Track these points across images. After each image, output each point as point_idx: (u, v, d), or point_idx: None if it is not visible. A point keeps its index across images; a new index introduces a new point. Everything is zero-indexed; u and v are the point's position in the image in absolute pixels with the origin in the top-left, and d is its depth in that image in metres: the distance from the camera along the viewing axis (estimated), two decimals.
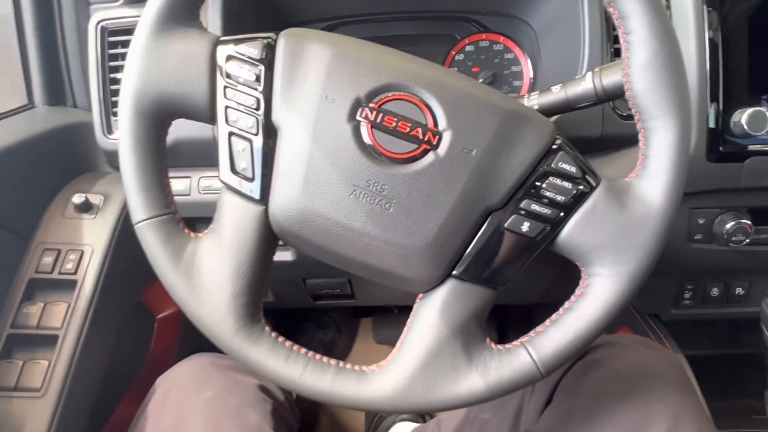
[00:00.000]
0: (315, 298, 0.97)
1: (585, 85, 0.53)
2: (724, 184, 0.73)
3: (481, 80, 0.85)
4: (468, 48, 0.86)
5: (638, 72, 0.46)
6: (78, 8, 0.83)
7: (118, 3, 0.82)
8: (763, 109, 0.68)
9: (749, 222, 0.75)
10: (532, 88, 0.85)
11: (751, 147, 0.70)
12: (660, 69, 0.45)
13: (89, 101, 0.76)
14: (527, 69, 0.85)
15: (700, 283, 0.87)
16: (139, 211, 0.49)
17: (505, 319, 1.40)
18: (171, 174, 0.77)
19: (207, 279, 0.49)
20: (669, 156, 0.45)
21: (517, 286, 0.50)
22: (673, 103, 0.45)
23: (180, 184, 0.77)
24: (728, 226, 0.75)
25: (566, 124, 0.68)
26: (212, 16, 0.70)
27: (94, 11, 0.81)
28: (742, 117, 0.67)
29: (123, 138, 0.48)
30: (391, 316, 1.39)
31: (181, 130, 0.72)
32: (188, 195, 0.77)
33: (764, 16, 0.69)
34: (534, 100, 0.58)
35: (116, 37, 0.74)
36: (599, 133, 0.70)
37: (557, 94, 0.57)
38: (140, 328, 0.89)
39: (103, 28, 0.74)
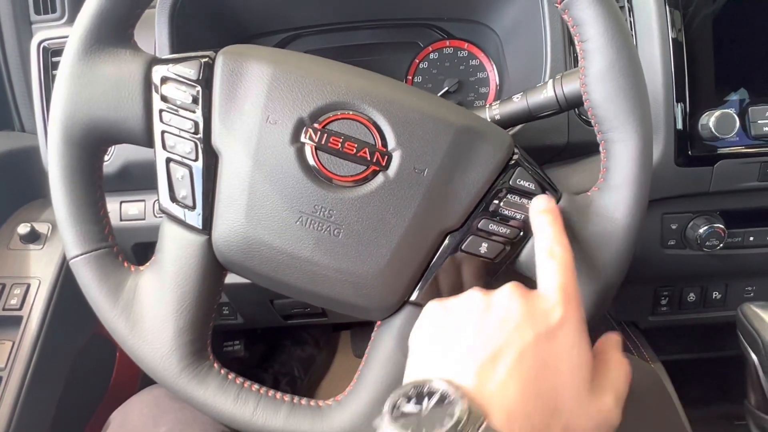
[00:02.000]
0: (285, 318, 0.94)
1: (546, 93, 0.51)
2: (695, 188, 0.71)
3: (446, 87, 0.83)
4: (432, 55, 0.84)
5: (595, 81, 0.44)
6: (19, 28, 0.79)
7: (62, 21, 0.78)
8: (731, 111, 0.66)
9: (722, 226, 0.73)
10: (498, 93, 0.83)
11: (720, 150, 0.69)
12: (617, 78, 0.43)
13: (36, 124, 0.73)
14: (493, 75, 0.83)
15: (677, 289, 0.85)
16: (72, 247, 0.46)
17: None
18: (124, 198, 0.75)
19: (148, 315, 0.46)
20: (630, 168, 0.43)
21: None
22: (633, 113, 0.43)
23: (134, 208, 0.74)
24: (701, 230, 0.73)
25: (531, 132, 0.66)
26: (159, 34, 0.67)
27: (37, 30, 0.77)
28: (710, 120, 0.66)
29: (52, 169, 0.45)
30: (370, 328, 1.36)
31: (130, 153, 0.70)
32: (143, 219, 0.74)
33: (728, 17, 0.68)
34: (495, 111, 0.56)
35: (59, 57, 0.70)
36: (565, 140, 0.68)
37: (518, 103, 0.54)
38: (100, 360, 0.85)
39: (45, 48, 0.71)
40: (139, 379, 0.92)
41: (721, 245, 0.74)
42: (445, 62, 0.84)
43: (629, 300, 0.87)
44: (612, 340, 0.42)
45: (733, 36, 0.69)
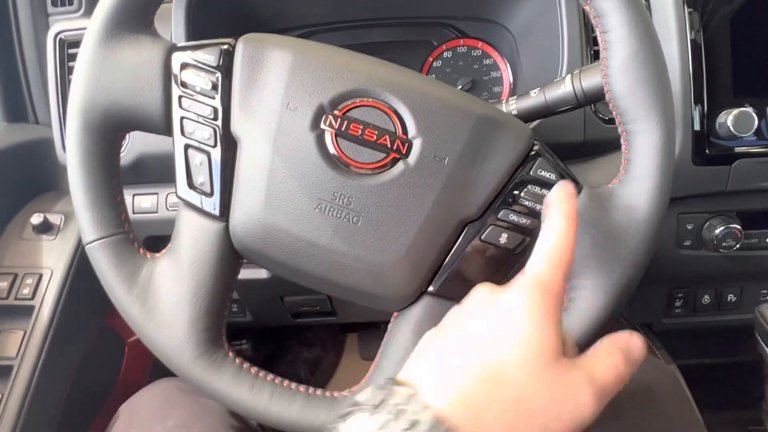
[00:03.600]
0: (295, 316, 0.94)
1: (564, 87, 0.51)
2: (712, 187, 0.70)
3: (460, 86, 0.82)
4: (446, 54, 0.84)
5: (618, 72, 0.43)
6: (36, 20, 0.79)
7: (79, 14, 0.78)
8: (749, 109, 0.66)
9: (739, 226, 0.72)
10: (512, 93, 0.83)
11: (738, 149, 0.68)
12: (641, 68, 0.42)
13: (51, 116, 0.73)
14: (507, 74, 0.83)
15: (691, 290, 0.84)
16: (89, 231, 0.45)
17: None
18: (137, 191, 0.75)
19: (164, 302, 0.45)
20: (653, 160, 0.43)
21: None
22: (656, 103, 0.42)
23: (147, 201, 0.74)
24: (717, 231, 0.72)
25: (547, 129, 0.65)
26: (176, 26, 0.67)
27: (53, 22, 0.77)
28: (728, 118, 0.65)
29: (71, 154, 0.45)
30: (377, 331, 1.36)
31: (145, 145, 0.70)
32: (155, 212, 0.74)
33: (745, 17, 0.68)
34: (512, 105, 0.56)
35: (76, 49, 0.70)
36: (581, 138, 0.67)
37: (536, 98, 0.54)
38: (109, 353, 0.85)
39: (61, 40, 0.71)
40: (148, 372, 0.92)
41: (738, 246, 0.73)
42: (459, 61, 0.84)
43: (643, 301, 0.86)
44: (632, 339, 0.37)
45: (751, 36, 0.68)
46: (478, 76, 0.83)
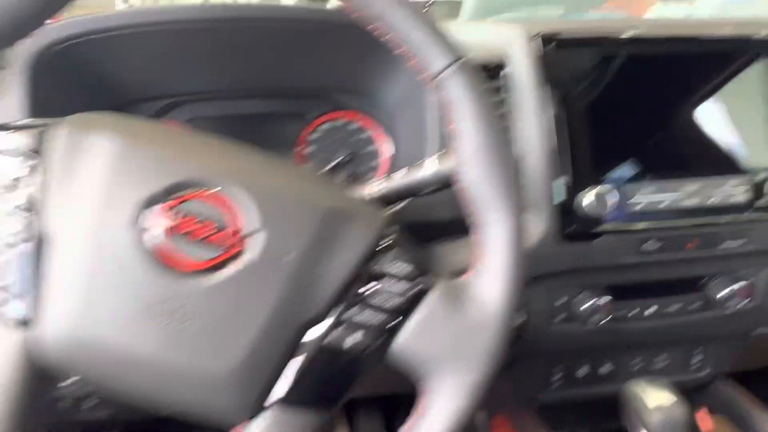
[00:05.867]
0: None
1: (428, 171, 0.50)
2: (579, 263, 0.72)
3: (338, 159, 0.81)
4: (324, 126, 0.82)
5: (465, 163, 0.43)
6: None
7: None
8: (610, 186, 0.68)
9: (608, 300, 0.74)
10: (393, 165, 0.82)
11: (600, 226, 0.70)
12: (486, 160, 0.42)
13: None
14: (385, 147, 0.82)
15: (567, 364, 0.85)
16: None
17: (395, 407, 1.32)
18: None
19: None
20: (502, 252, 0.42)
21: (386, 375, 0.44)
22: (502, 196, 0.42)
23: None
24: (587, 305, 0.73)
25: (416, 207, 0.64)
26: (13, 95, 0.60)
27: None
28: (589, 196, 0.67)
29: None
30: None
31: None
32: None
33: (605, 96, 0.71)
34: (380, 186, 0.54)
35: None
36: (451, 215, 0.66)
37: (402, 180, 0.53)
38: None
39: None
40: None
41: (608, 319, 0.74)
42: (337, 133, 0.82)
43: (521, 377, 0.86)
44: None
45: (611, 114, 0.72)
46: (357, 149, 0.82)
